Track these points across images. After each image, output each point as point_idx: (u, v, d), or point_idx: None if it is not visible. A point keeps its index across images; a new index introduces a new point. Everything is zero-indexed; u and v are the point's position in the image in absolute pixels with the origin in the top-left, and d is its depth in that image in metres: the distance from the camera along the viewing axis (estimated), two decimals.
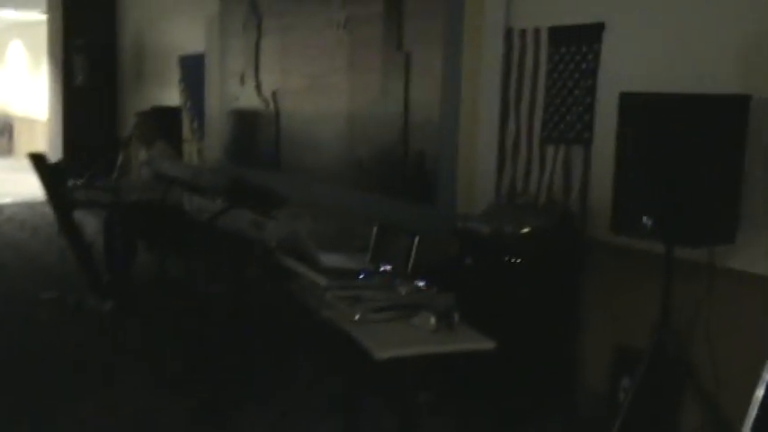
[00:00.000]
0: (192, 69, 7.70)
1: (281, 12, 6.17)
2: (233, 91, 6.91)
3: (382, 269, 3.32)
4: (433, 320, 2.75)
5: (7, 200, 9.73)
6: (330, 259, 3.08)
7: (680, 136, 2.82)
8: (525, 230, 3.36)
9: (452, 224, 4.18)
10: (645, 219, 2.91)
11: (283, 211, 3.42)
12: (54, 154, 10.38)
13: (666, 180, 2.86)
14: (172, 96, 8.08)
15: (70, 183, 5.35)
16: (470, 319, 2.89)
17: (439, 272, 3.50)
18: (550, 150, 3.87)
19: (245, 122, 6.80)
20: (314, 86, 5.82)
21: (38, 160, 5.28)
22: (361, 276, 2.97)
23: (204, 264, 4.24)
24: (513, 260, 3.32)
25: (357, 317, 2.79)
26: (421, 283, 3.10)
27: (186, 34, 7.91)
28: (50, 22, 10.44)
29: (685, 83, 3.08)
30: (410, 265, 3.58)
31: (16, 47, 16.23)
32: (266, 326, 3.83)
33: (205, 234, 3.56)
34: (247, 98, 6.68)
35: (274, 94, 6.30)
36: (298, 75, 6.02)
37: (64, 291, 5.42)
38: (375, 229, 4.07)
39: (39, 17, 12.28)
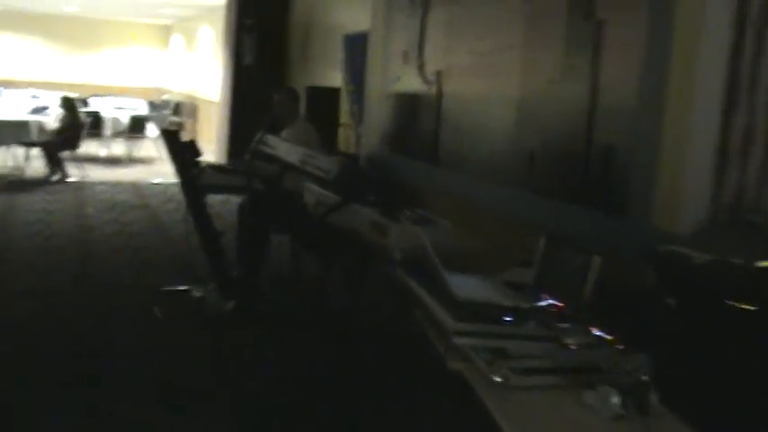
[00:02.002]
0: (356, 49, 7.05)
1: None
2: (395, 71, 6.15)
3: (545, 303, 2.37)
4: (616, 401, 1.77)
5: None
6: (467, 287, 2.17)
7: None
8: (766, 264, 2.26)
9: (647, 245, 3.14)
10: None
11: (414, 213, 2.55)
12: (222, 134, 10.27)
13: None
14: (336, 77, 7.49)
15: (204, 164, 4.80)
16: (673, 396, 1.88)
17: (624, 313, 2.50)
18: None
19: (405, 107, 6.02)
20: (482, 65, 4.90)
21: (170, 137, 4.79)
22: (509, 319, 2.03)
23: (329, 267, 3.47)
24: (743, 307, 2.22)
25: (498, 379, 1.88)
26: (602, 334, 2.13)
27: (353, 11, 7.29)
28: (228, 2, 10.30)
29: None
30: (584, 297, 2.65)
31: (205, 32, 16.63)
32: (386, 359, 2.98)
33: (320, 232, 2.77)
34: (409, 79, 5.88)
35: (438, 74, 5.45)
36: (465, 52, 5.13)
37: (192, 284, 4.92)
38: (542, 241, 3.15)
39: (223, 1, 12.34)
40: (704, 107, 3.13)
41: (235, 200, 5.99)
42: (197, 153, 4.65)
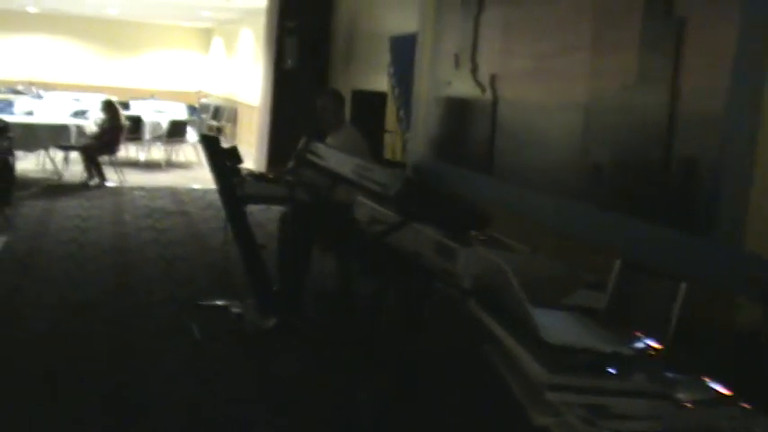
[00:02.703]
0: (403, 51, 6.73)
1: None
2: (445, 75, 5.82)
3: (641, 345, 2.03)
4: None
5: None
6: (556, 328, 1.83)
7: None
8: None
9: (739, 270, 2.80)
10: None
11: (484, 235, 2.22)
12: (263, 140, 10.03)
13: None
14: (382, 81, 7.19)
15: (245, 172, 4.54)
16: None
17: (724, 355, 2.15)
18: None
19: (456, 113, 5.69)
20: (542, 69, 4.55)
21: (210, 143, 4.53)
22: (614, 372, 1.69)
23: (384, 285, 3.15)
24: None
25: None
26: (716, 386, 1.77)
27: (400, 12, 6.99)
28: (269, 5, 10.09)
29: None
30: (669, 331, 2.32)
31: (245, 35, 16.49)
32: (448, 398, 2.65)
33: (376, 253, 2.46)
34: (461, 84, 5.55)
35: (493, 78, 5.11)
36: (523, 55, 4.78)
37: (230, 298, 4.65)
38: (617, 265, 2.82)
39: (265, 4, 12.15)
40: None
41: (277, 209, 5.73)
42: (238, 160, 4.39)
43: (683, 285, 2.47)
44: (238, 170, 4.42)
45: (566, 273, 2.44)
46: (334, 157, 2.74)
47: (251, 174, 4.55)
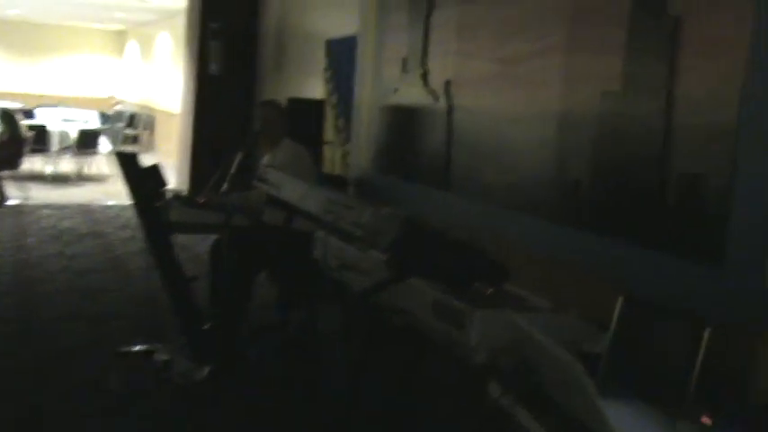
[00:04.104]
0: (341, 55, 6.20)
1: None
2: (391, 81, 5.31)
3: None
4: None
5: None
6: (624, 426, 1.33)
7: None
8: None
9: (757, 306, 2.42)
10: None
11: (492, 288, 1.71)
12: (184, 151, 9.29)
13: None
14: (316, 88, 6.63)
15: (170, 195, 3.90)
16: None
17: None
18: None
19: (404, 122, 5.19)
20: (507, 74, 4.08)
21: (127, 162, 3.87)
22: None
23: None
24: None
25: None
26: None
27: (337, 13, 6.44)
28: (190, 5, 9.36)
29: None
30: (691, 385, 1.91)
31: (163, 38, 15.60)
32: None
33: (359, 315, 1.91)
34: (410, 90, 5.05)
35: (447, 84, 4.62)
36: (483, 58, 4.31)
37: (155, 342, 3.98)
38: (620, 303, 2.37)
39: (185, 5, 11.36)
40: None
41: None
42: (161, 182, 3.75)
43: (707, 331, 2.05)
44: (162, 194, 3.78)
45: (596, 334, 1.95)
46: (292, 187, 2.18)
47: (177, 197, 3.91)
